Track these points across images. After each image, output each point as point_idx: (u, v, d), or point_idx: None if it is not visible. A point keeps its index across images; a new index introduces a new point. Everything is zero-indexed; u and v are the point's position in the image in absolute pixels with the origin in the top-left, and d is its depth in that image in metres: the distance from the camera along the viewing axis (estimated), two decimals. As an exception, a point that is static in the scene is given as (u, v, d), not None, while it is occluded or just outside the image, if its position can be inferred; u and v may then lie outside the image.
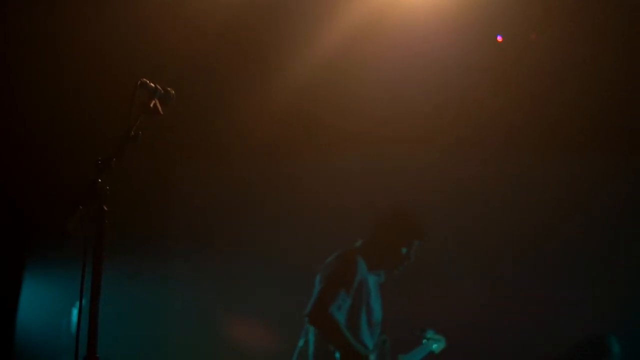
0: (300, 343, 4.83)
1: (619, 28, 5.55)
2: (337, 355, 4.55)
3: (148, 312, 6.75)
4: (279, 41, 5.75)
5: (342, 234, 5.34)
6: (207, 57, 5.87)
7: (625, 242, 6.45)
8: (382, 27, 5.54)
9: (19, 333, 6.58)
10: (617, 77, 5.85)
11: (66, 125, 6.12)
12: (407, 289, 6.16)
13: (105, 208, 2.72)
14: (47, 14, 5.48)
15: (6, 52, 5.74)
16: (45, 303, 6.67)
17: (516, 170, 6.62)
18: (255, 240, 6.79)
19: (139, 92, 2.92)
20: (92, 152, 2.93)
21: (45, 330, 6.59)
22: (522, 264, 6.52)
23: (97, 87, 5.77)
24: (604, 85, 5.87)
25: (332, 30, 5.55)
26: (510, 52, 5.77)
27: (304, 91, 6.02)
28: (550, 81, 5.91)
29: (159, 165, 6.85)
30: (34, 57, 5.74)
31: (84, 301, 2.68)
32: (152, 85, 2.95)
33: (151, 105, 2.93)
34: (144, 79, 2.94)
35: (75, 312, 6.37)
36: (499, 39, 5.72)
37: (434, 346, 5.42)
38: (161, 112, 2.95)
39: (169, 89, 3.01)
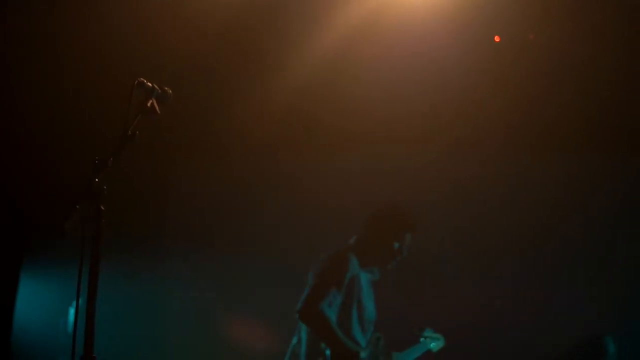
0: (294, 341, 4.84)
1: (617, 28, 5.55)
2: (328, 352, 4.56)
3: (146, 312, 6.75)
4: (278, 41, 5.75)
5: (341, 233, 5.34)
6: (207, 56, 5.87)
7: (623, 242, 6.45)
8: (381, 27, 5.54)
9: (16, 333, 6.57)
10: (615, 77, 5.86)
11: (64, 125, 6.12)
12: (406, 289, 6.18)
13: (103, 208, 2.73)
14: (46, 14, 5.49)
15: (5, 52, 5.74)
16: (43, 303, 6.66)
17: (514, 170, 6.63)
18: (253, 240, 6.79)
19: (137, 91, 2.93)
20: (90, 151, 2.92)
21: (43, 330, 6.58)
22: (520, 264, 6.52)
23: (95, 87, 5.77)
24: (602, 85, 5.88)
25: (331, 30, 5.56)
26: (508, 53, 5.78)
27: (303, 91, 6.03)
28: (547, 81, 5.92)
29: (158, 165, 6.85)
30: (32, 56, 5.74)
31: (80, 301, 2.68)
32: (150, 84, 2.97)
33: (148, 104, 2.94)
34: (142, 79, 2.95)
35: (72, 311, 6.36)
36: (497, 39, 5.72)
37: (432, 345, 5.42)
38: (158, 112, 2.96)
39: (166, 88, 3.02)
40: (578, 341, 5.72)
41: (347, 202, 6.46)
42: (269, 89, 6.09)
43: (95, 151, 2.86)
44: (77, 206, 2.69)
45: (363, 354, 4.66)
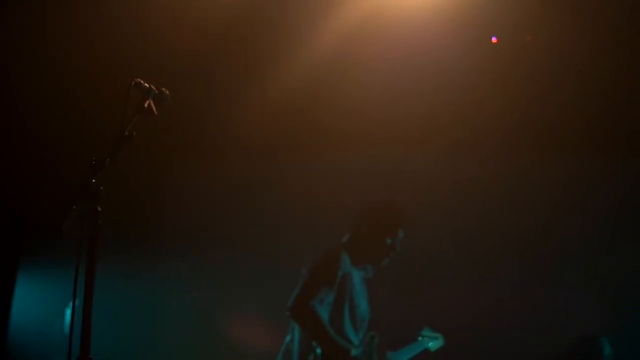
0: (287, 339, 4.86)
1: (616, 29, 5.55)
2: (319, 351, 4.57)
3: (145, 312, 6.75)
4: (276, 42, 5.75)
5: (340, 234, 5.35)
6: (204, 57, 5.87)
7: (622, 243, 6.44)
8: (379, 28, 5.54)
9: (12, 333, 6.57)
10: (614, 78, 5.85)
11: (62, 125, 6.11)
12: (406, 290, 6.18)
13: (99, 208, 2.72)
14: (44, 15, 5.48)
15: (3, 52, 5.74)
16: (39, 303, 6.66)
17: (513, 172, 6.62)
18: (252, 240, 6.79)
19: (134, 92, 2.92)
20: (87, 151, 2.92)
21: (39, 331, 6.58)
22: (519, 264, 6.52)
23: (93, 87, 5.77)
24: (601, 86, 5.87)
25: (329, 31, 5.55)
26: (507, 54, 5.77)
27: (301, 92, 6.02)
28: (547, 82, 5.91)
29: (155, 165, 6.86)
30: (30, 57, 5.74)
31: (77, 302, 2.68)
32: (147, 85, 2.96)
33: (145, 105, 2.93)
34: (138, 79, 2.95)
35: (69, 312, 6.36)
36: (494, 40, 5.72)
37: (430, 344, 5.41)
38: (155, 113, 2.96)
39: (163, 89, 3.02)
40: (574, 342, 5.71)
41: (346, 203, 6.45)
42: (266, 90, 6.08)
43: (94, 151, 2.85)
44: (74, 206, 2.68)
45: (354, 351, 4.66)
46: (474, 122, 6.18)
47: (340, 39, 5.57)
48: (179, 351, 6.72)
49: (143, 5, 5.34)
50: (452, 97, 5.97)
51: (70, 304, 2.56)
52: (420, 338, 5.40)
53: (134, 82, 2.93)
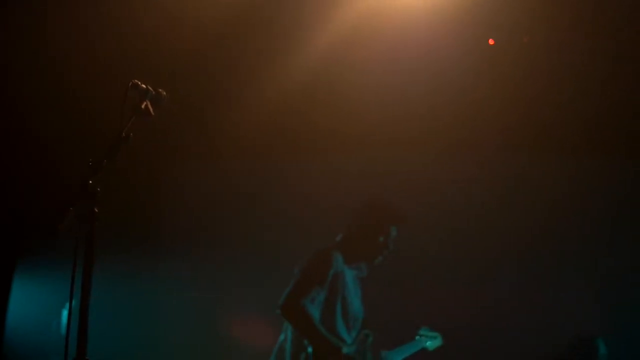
0: (281, 337, 4.86)
1: (615, 30, 5.55)
2: (310, 350, 4.58)
3: (145, 312, 6.76)
4: (273, 43, 5.76)
5: (338, 235, 5.35)
6: (201, 58, 5.88)
7: (621, 244, 6.45)
8: (377, 28, 5.54)
9: (9, 333, 6.58)
10: (613, 79, 5.85)
11: (60, 126, 6.12)
12: (404, 290, 6.18)
13: (96, 209, 2.73)
14: (45, 14, 5.49)
15: (3, 53, 5.75)
16: (36, 304, 6.67)
17: (512, 172, 6.62)
18: (251, 240, 6.80)
19: (131, 93, 2.93)
20: (85, 152, 2.93)
21: (35, 331, 6.59)
22: (517, 265, 6.52)
23: (91, 88, 5.78)
24: (600, 87, 5.88)
25: (327, 32, 5.56)
26: (505, 55, 5.78)
27: (299, 93, 6.03)
28: (545, 83, 5.92)
29: (155, 166, 6.87)
30: (28, 57, 5.75)
31: (74, 302, 2.69)
32: (144, 86, 2.97)
33: (142, 106, 2.94)
34: (136, 80, 2.96)
35: (65, 313, 6.37)
36: (491, 41, 5.72)
37: (428, 343, 5.39)
38: (152, 114, 2.96)
39: (160, 90, 3.02)
40: (569, 342, 5.71)
41: (345, 204, 6.45)
42: (263, 91, 6.09)
43: (90, 152, 2.86)
44: (72, 207, 2.69)
45: (346, 350, 4.66)
46: (473, 123, 6.19)
47: (338, 40, 5.58)
48: (179, 351, 6.73)
49: (142, 5, 5.35)
50: (450, 98, 5.98)
51: (67, 305, 2.57)
52: (417, 337, 5.38)
53: (131, 83, 2.94)
